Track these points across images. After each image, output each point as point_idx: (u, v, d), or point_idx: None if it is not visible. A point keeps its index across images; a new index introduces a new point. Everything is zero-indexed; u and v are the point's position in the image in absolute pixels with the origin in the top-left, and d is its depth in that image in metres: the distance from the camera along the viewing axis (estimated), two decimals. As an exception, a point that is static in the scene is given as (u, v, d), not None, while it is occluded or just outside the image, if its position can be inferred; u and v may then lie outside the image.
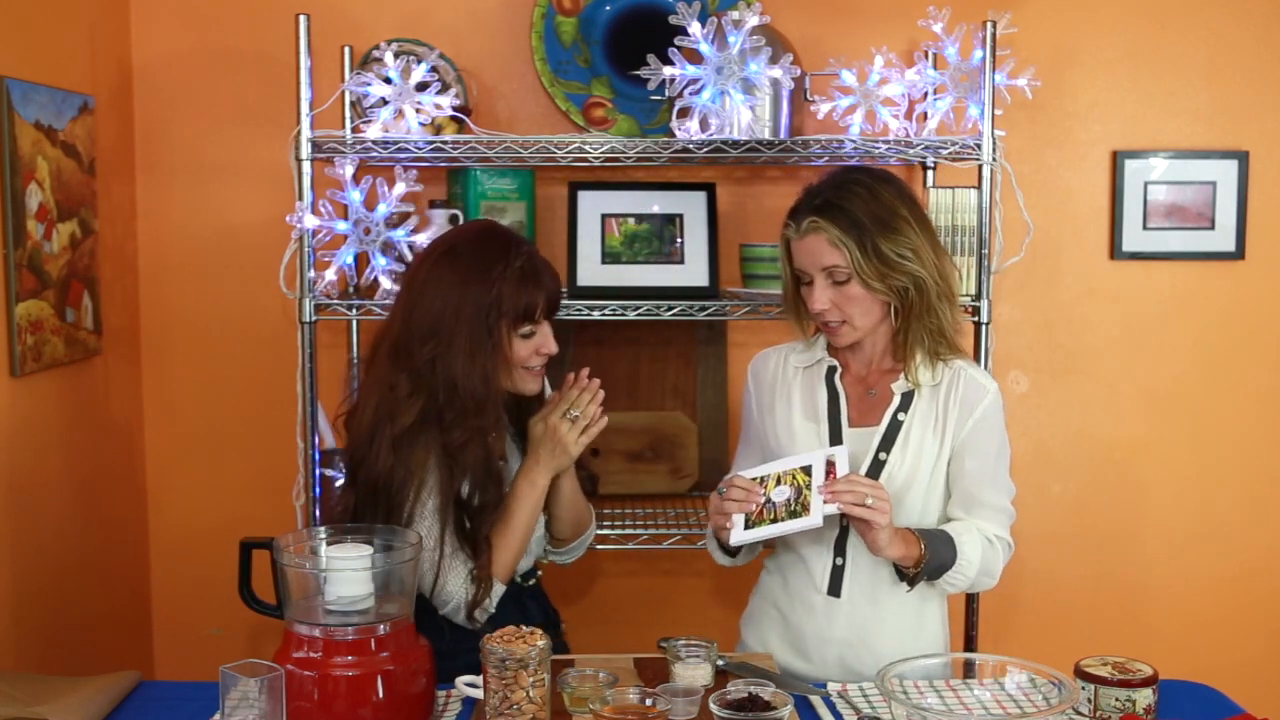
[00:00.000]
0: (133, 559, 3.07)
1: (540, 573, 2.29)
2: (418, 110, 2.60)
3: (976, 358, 2.65)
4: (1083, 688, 1.84)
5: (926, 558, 2.02)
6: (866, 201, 2.05)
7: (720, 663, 2.00)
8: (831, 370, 2.18)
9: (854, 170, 2.14)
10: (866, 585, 2.12)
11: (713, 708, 1.75)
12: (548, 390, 2.24)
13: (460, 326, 2.04)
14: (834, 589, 2.13)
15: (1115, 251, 3.11)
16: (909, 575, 2.06)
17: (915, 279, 2.05)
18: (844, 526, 2.11)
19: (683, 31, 2.48)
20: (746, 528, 2.00)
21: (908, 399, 2.13)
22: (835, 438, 2.13)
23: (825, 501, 1.94)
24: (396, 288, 2.65)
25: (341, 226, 2.64)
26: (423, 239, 2.66)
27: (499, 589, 2.11)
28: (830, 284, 2.06)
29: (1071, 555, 3.19)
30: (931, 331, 2.10)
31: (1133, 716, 1.81)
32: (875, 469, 2.11)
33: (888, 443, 2.11)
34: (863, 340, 2.14)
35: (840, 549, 2.12)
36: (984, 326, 2.68)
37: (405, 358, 2.07)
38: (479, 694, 1.83)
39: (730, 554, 2.21)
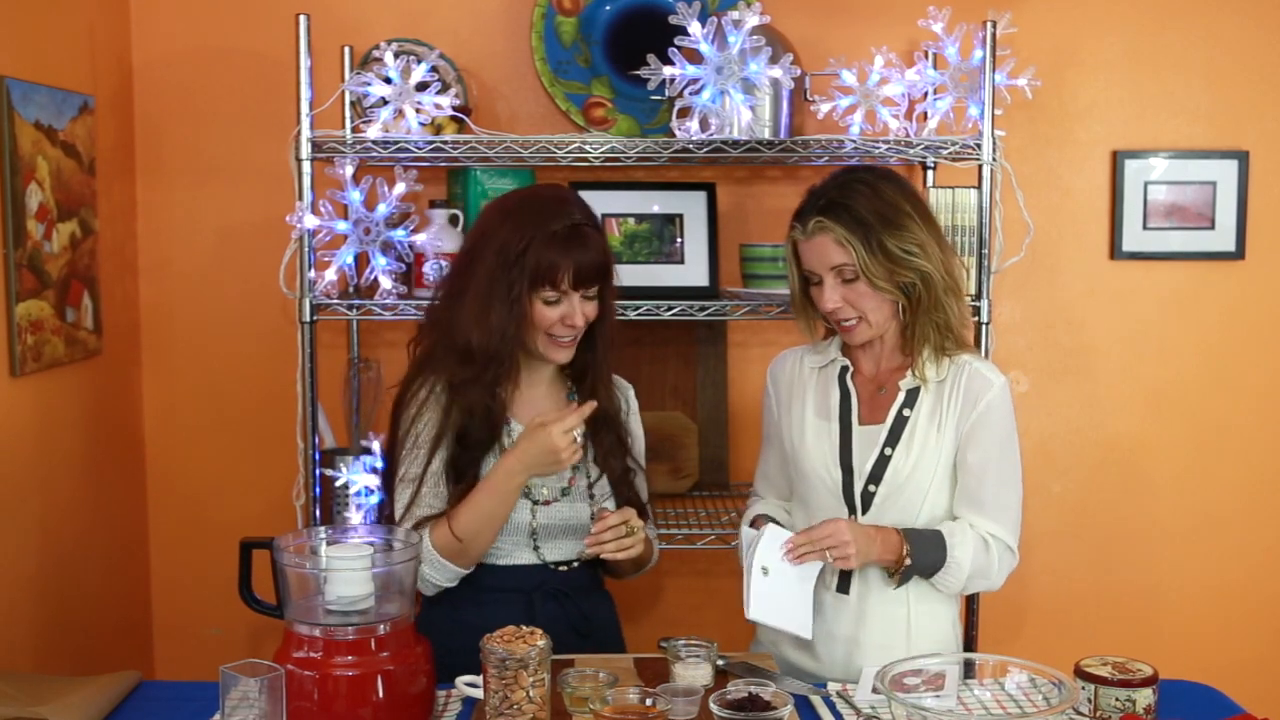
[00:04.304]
0: (133, 559, 3.07)
1: (577, 562, 2.20)
2: (418, 110, 2.60)
3: (976, 358, 2.65)
4: (1083, 688, 1.84)
5: (908, 560, 2.05)
6: (870, 199, 2.06)
7: (720, 663, 2.00)
8: (844, 370, 2.19)
9: (856, 170, 2.16)
10: (875, 583, 2.13)
11: (713, 708, 1.75)
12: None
13: (477, 272, 2.07)
14: (843, 586, 2.14)
15: (1115, 251, 3.11)
16: (893, 575, 2.08)
17: (922, 274, 2.07)
18: None
19: (683, 31, 2.48)
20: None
21: (913, 395, 2.14)
22: (845, 436, 2.15)
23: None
24: (399, 286, 2.67)
25: (341, 226, 2.64)
26: (423, 239, 2.66)
27: (441, 564, 2.09)
28: (839, 282, 2.08)
29: (1072, 555, 3.19)
30: (939, 326, 2.11)
31: (1133, 716, 1.81)
32: (881, 465, 2.12)
33: (893, 439, 2.12)
34: (873, 338, 2.15)
35: None
36: (984, 326, 2.68)
37: (446, 280, 2.20)
38: (479, 694, 1.83)
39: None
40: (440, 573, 2.10)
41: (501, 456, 2.10)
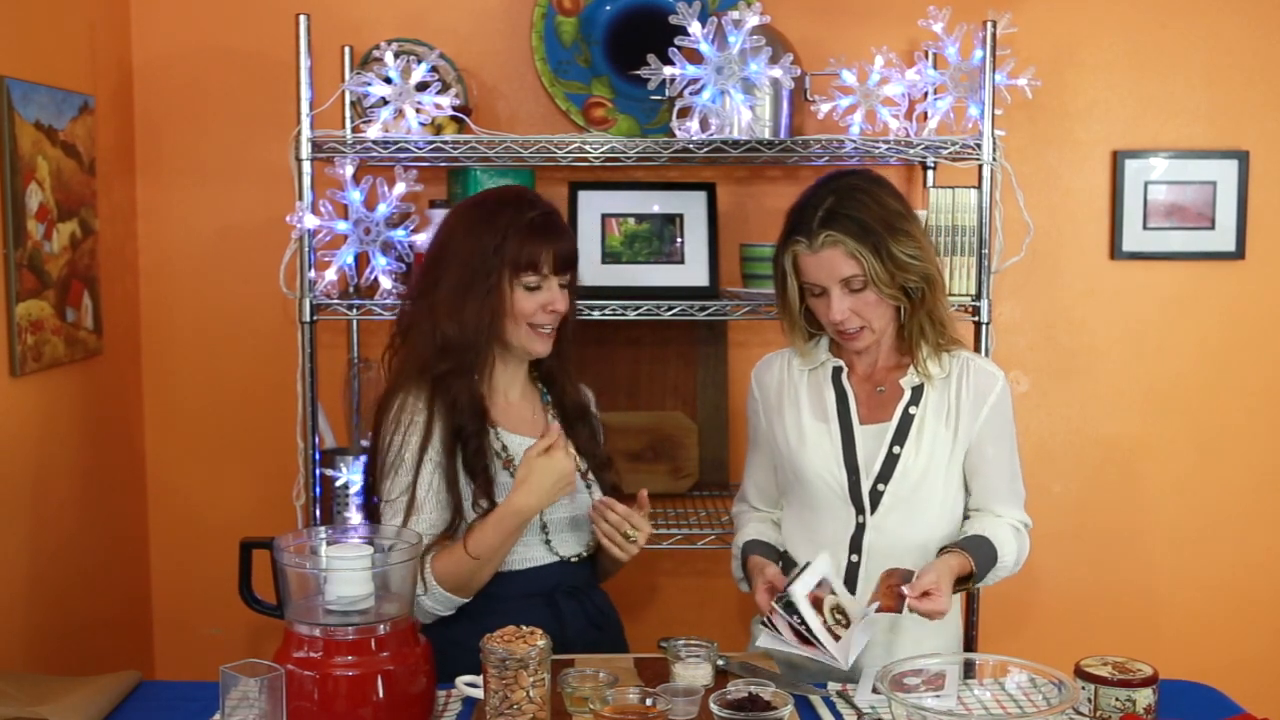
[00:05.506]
0: (133, 559, 3.07)
1: (584, 552, 2.21)
2: (418, 110, 2.60)
3: (977, 358, 2.65)
4: (1083, 688, 1.84)
5: (976, 573, 2.06)
6: (872, 208, 2.05)
7: (720, 663, 2.00)
8: (838, 370, 2.18)
9: (845, 176, 2.12)
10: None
11: (713, 708, 1.75)
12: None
13: (455, 265, 2.08)
14: (849, 585, 2.13)
15: (1115, 251, 3.11)
16: (957, 591, 2.08)
17: (926, 275, 2.08)
18: (860, 525, 2.12)
19: (683, 31, 2.48)
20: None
21: (918, 393, 2.14)
22: (847, 436, 2.14)
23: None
24: (399, 286, 2.67)
25: (341, 226, 2.64)
26: (423, 239, 2.66)
27: (443, 596, 2.08)
28: (847, 293, 2.07)
29: (1072, 555, 3.19)
30: (934, 322, 2.12)
31: (1133, 716, 1.81)
32: (890, 464, 2.11)
33: (900, 437, 2.12)
34: (873, 343, 2.15)
35: (856, 546, 2.12)
36: (984, 326, 2.68)
37: (412, 287, 2.20)
38: (479, 694, 1.83)
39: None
40: (441, 604, 2.08)
41: (511, 497, 2.05)
